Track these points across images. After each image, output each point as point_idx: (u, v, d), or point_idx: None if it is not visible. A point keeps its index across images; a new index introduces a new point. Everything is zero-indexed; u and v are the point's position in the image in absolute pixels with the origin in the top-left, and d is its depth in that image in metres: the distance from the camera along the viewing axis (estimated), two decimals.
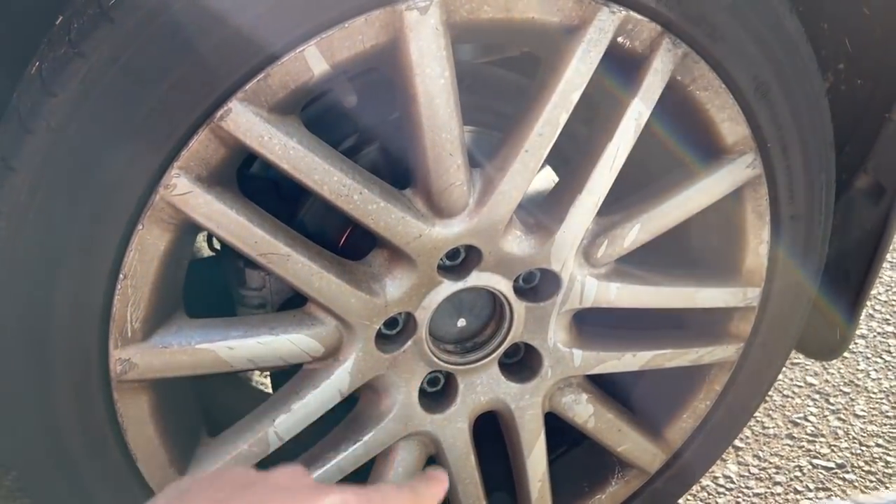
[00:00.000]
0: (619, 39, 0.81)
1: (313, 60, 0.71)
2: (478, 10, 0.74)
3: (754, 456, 1.49)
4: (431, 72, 0.74)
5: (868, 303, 1.98)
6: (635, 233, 0.93)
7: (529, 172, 0.84)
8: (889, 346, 1.82)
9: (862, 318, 1.92)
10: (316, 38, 0.70)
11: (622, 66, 0.84)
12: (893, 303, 1.98)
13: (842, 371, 1.72)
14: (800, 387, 1.68)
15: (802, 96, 0.92)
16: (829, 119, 0.97)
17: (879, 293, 2.03)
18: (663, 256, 1.02)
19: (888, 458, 1.49)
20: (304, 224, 0.90)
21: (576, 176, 0.89)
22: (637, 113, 0.85)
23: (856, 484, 1.43)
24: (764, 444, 1.52)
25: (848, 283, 1.15)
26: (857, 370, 1.73)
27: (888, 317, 1.92)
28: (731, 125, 0.90)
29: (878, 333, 1.86)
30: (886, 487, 1.42)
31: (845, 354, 1.78)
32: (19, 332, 0.73)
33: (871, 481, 1.43)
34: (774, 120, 0.91)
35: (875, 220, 1.11)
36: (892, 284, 2.06)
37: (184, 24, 0.65)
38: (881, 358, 1.77)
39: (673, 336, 1.05)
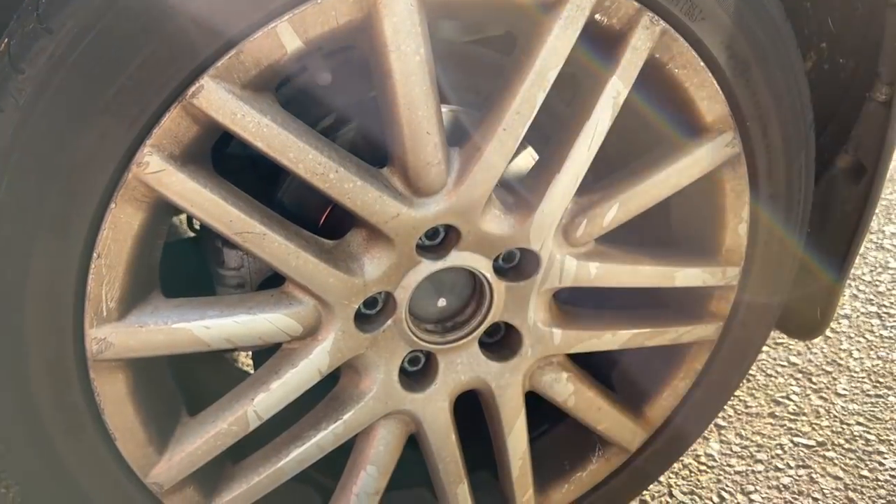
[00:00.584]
0: (597, 17, 0.80)
1: (286, 37, 0.70)
2: None
3: (736, 434, 1.51)
4: (406, 49, 0.74)
5: (852, 283, 2.00)
6: (614, 212, 0.93)
7: (507, 151, 0.84)
8: (872, 325, 1.83)
9: (846, 298, 1.93)
10: (289, 14, 0.70)
11: (600, 43, 0.83)
12: (877, 283, 1.99)
13: (825, 351, 1.73)
14: (783, 366, 1.69)
15: (782, 76, 0.92)
16: (809, 99, 0.96)
17: (864, 273, 2.04)
18: (643, 236, 1.02)
19: (868, 437, 1.50)
20: (283, 203, 0.89)
21: (554, 155, 0.89)
22: (615, 91, 0.84)
23: (836, 462, 1.44)
24: (746, 423, 1.53)
25: (828, 262, 1.16)
26: (840, 350, 1.74)
27: (872, 297, 1.94)
28: (710, 104, 0.90)
29: (862, 314, 1.87)
30: (866, 465, 1.43)
31: (828, 334, 1.79)
32: None
33: (850, 459, 1.45)
34: (754, 99, 0.91)
35: (855, 200, 1.11)
36: (877, 266, 2.07)
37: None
38: (864, 338, 1.79)
39: (652, 315, 1.06)
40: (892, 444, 1.48)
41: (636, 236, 1.01)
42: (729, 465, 1.44)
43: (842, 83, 1.13)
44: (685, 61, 0.86)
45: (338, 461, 1.00)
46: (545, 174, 0.89)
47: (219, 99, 0.70)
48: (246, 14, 0.68)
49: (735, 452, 1.46)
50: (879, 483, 1.40)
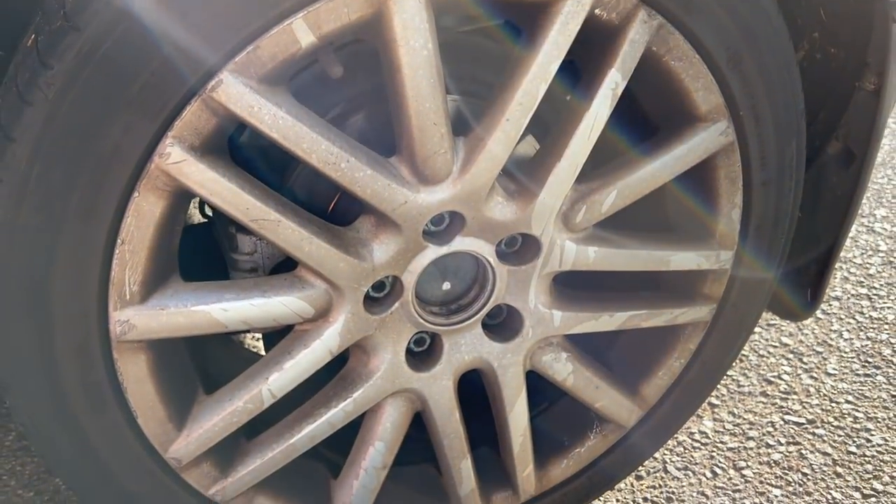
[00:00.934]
0: (597, 11, 0.84)
1: (301, 33, 0.74)
2: None
3: (729, 412, 1.56)
4: (415, 44, 0.77)
5: (843, 266, 2.04)
6: (612, 199, 0.97)
7: (510, 141, 0.87)
8: (862, 307, 1.88)
9: (837, 280, 1.98)
10: (303, 12, 0.73)
11: (599, 36, 0.87)
12: (868, 266, 2.04)
13: (815, 332, 1.78)
14: (775, 347, 1.74)
15: (774, 66, 0.95)
16: (800, 88, 1.00)
17: (855, 256, 2.08)
18: (640, 221, 1.06)
19: (856, 414, 1.55)
20: (294, 191, 0.93)
21: (555, 144, 0.92)
22: (614, 83, 0.88)
23: (825, 438, 1.49)
24: (739, 402, 1.58)
25: (818, 246, 1.20)
26: (831, 331, 1.79)
27: (862, 279, 1.98)
28: (705, 94, 0.94)
29: (852, 295, 1.92)
30: (854, 442, 1.49)
31: (819, 316, 1.84)
32: (22, 295, 0.77)
33: (839, 436, 1.50)
34: (747, 89, 0.94)
35: (845, 186, 1.15)
36: (868, 248, 2.12)
37: None
38: (854, 319, 1.83)
39: (648, 297, 1.10)
40: (879, 422, 1.53)
41: (633, 222, 1.05)
42: (721, 442, 1.49)
43: (833, 72, 1.16)
44: (681, 54, 0.89)
45: (347, 438, 1.05)
46: (546, 162, 0.93)
47: (237, 93, 0.74)
48: (263, 11, 0.71)
49: (728, 430, 1.51)
50: (866, 458, 1.45)
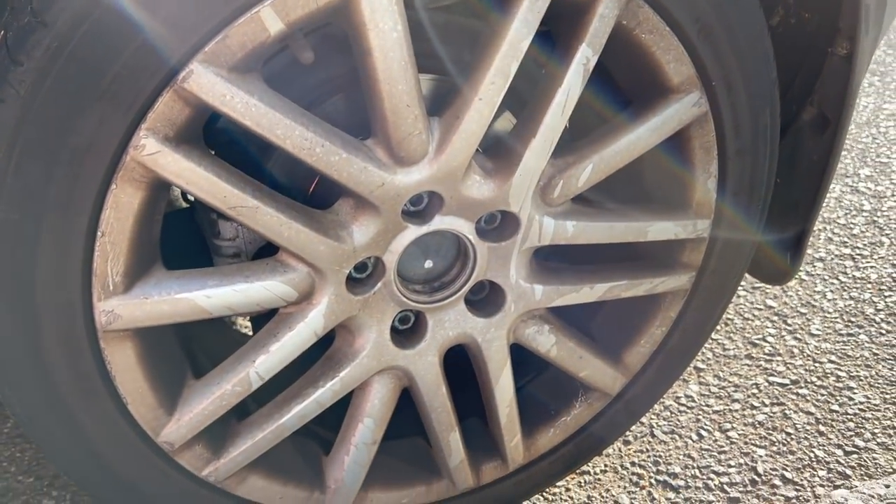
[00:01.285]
0: None
1: (269, 21, 0.74)
2: None
3: (714, 376, 1.58)
4: (384, 26, 0.78)
5: (827, 226, 2.06)
6: (588, 173, 0.98)
7: (484, 119, 0.88)
8: (845, 267, 1.90)
9: (821, 240, 2.00)
10: (270, 0, 0.73)
11: (569, 11, 0.87)
12: (851, 226, 2.06)
13: (800, 293, 1.81)
14: (759, 309, 1.77)
15: (746, 36, 0.96)
16: (772, 57, 1.01)
17: (839, 217, 2.10)
18: (616, 192, 1.07)
19: (839, 373, 1.58)
20: (272, 175, 0.94)
21: (529, 120, 0.93)
22: (585, 58, 0.88)
23: (808, 398, 1.53)
24: (724, 365, 1.61)
25: (797, 211, 1.22)
26: (815, 291, 1.82)
27: (846, 240, 2.00)
28: (676, 66, 0.94)
29: (836, 256, 1.94)
30: (836, 400, 1.52)
31: (804, 277, 1.86)
32: (7, 288, 0.78)
33: (822, 395, 1.53)
34: (718, 60, 0.95)
35: (821, 151, 1.16)
36: (851, 209, 2.14)
37: None
38: (837, 279, 1.86)
39: (628, 268, 1.11)
40: (861, 380, 1.56)
41: (610, 193, 1.06)
42: (707, 405, 1.52)
43: (807, 37, 1.17)
44: (651, 27, 0.90)
45: (337, 414, 1.07)
46: (522, 139, 0.93)
47: (208, 82, 0.74)
48: (229, 1, 0.72)
49: (713, 393, 1.54)
50: (848, 416, 1.48)
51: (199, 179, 0.79)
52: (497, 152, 0.95)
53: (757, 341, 1.67)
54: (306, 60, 0.85)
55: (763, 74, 1.00)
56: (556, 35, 0.93)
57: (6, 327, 0.80)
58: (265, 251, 0.98)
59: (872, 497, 1.30)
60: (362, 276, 0.97)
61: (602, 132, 0.99)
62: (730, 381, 1.57)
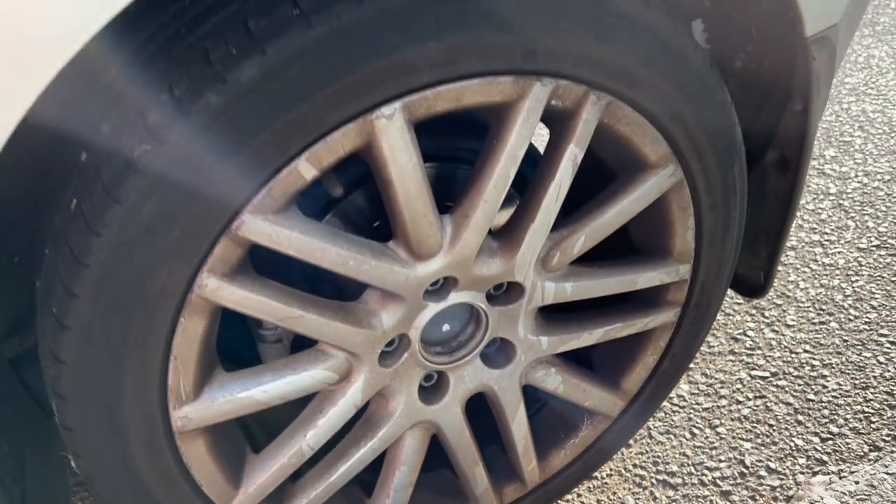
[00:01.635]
0: (553, 102, 0.96)
1: (305, 170, 0.86)
2: (434, 106, 0.88)
3: (702, 374, 1.74)
4: (401, 160, 0.90)
5: (798, 213, 2.21)
6: (582, 242, 1.12)
7: (489, 216, 1.01)
8: (815, 254, 2.05)
9: (793, 228, 2.15)
10: (306, 154, 0.85)
11: (558, 119, 0.99)
12: (819, 211, 2.20)
13: (775, 284, 1.96)
14: (739, 304, 1.92)
15: (711, 113, 1.08)
16: (736, 124, 1.13)
17: (807, 202, 2.25)
18: (608, 249, 1.21)
19: (813, 363, 1.75)
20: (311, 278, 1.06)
21: (529, 206, 1.06)
22: (573, 155, 1.01)
23: (786, 389, 1.69)
24: (710, 363, 1.77)
25: (766, 239, 1.36)
26: (788, 282, 1.97)
27: (815, 226, 2.15)
28: (653, 147, 1.07)
29: (806, 243, 2.09)
30: (812, 389, 1.68)
31: (779, 268, 2.01)
32: (99, 410, 0.91)
33: (799, 385, 1.70)
34: (689, 138, 1.07)
35: (784, 188, 1.30)
36: (819, 192, 2.28)
37: (199, 162, 0.80)
38: (808, 268, 2.01)
39: (621, 311, 1.26)
40: (833, 367, 1.73)
41: (603, 250, 1.20)
42: (697, 404, 1.68)
43: (768, 83, 1.29)
44: (630, 120, 1.02)
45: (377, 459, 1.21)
46: (523, 223, 1.06)
47: (256, 227, 0.86)
48: (273, 162, 0.83)
49: (702, 391, 1.71)
50: (823, 404, 1.65)
51: (252, 302, 0.92)
52: (502, 235, 1.08)
53: (738, 336, 1.83)
54: (337, 194, 0.97)
55: (730, 141, 1.13)
56: (550, 131, 1.05)
57: (101, 438, 0.93)
58: (304, 336, 1.11)
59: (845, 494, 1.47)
60: (391, 349, 1.11)
61: (592, 205, 1.12)
62: (716, 378, 1.73)
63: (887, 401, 1.63)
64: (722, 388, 1.71)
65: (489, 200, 0.99)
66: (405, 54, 0.83)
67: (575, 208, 1.13)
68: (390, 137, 0.88)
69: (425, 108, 0.88)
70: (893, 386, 1.66)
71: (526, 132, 0.96)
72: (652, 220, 1.17)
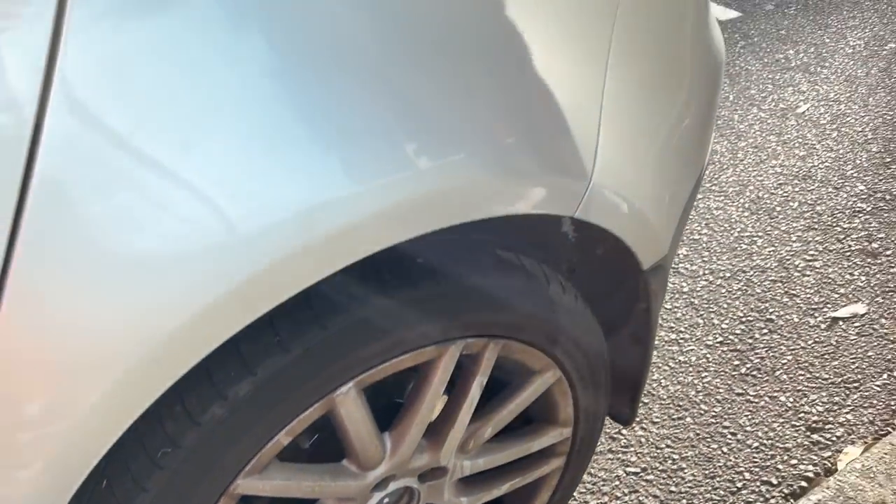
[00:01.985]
0: (465, 351, 1.28)
1: (283, 439, 1.14)
2: (376, 376, 1.19)
3: (588, 474, 2.12)
4: (354, 416, 1.19)
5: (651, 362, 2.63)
6: (490, 430, 1.45)
7: (419, 433, 1.32)
8: (672, 352, 2.48)
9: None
10: (284, 430, 1.13)
11: (468, 359, 1.32)
12: (675, 310, 2.64)
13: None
14: None
15: (580, 331, 1.44)
16: (603, 339, 1.49)
17: (665, 301, 2.68)
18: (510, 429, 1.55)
19: (674, 456, 2.16)
20: None
21: (449, 414, 1.38)
22: (480, 382, 1.34)
23: (654, 483, 2.09)
24: (594, 462, 2.15)
25: (629, 388, 1.74)
26: (652, 380, 2.38)
27: (672, 324, 2.58)
28: (538, 362, 1.41)
29: (665, 342, 2.52)
30: (674, 482, 2.09)
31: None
32: None
33: (663, 479, 2.10)
34: (565, 352, 1.43)
35: (637, 357, 1.68)
36: (674, 292, 2.72)
37: (209, 456, 1.06)
38: (668, 365, 2.43)
39: (521, 467, 1.60)
40: (689, 459, 2.14)
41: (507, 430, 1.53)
42: (585, 502, 2.05)
43: (623, 270, 1.66)
44: (519, 350, 1.36)
45: None
46: (445, 428, 1.38)
47: (249, 486, 1.14)
48: (264, 440, 1.11)
49: (588, 489, 2.08)
50: (682, 494, 2.06)
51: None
52: (429, 434, 1.40)
53: (615, 435, 2.22)
54: (303, 445, 1.26)
55: (597, 349, 1.49)
56: (462, 365, 1.37)
57: None
58: None
59: None
60: None
61: (496, 403, 1.45)
62: (599, 477, 2.11)
63: (729, 488, 2.06)
64: (604, 485, 2.09)
65: (419, 424, 1.31)
66: (359, 353, 1.13)
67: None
68: (346, 405, 1.17)
69: (371, 378, 1.18)
70: (734, 475, 2.09)
71: (445, 376, 1.28)
72: (542, 403, 1.52)
